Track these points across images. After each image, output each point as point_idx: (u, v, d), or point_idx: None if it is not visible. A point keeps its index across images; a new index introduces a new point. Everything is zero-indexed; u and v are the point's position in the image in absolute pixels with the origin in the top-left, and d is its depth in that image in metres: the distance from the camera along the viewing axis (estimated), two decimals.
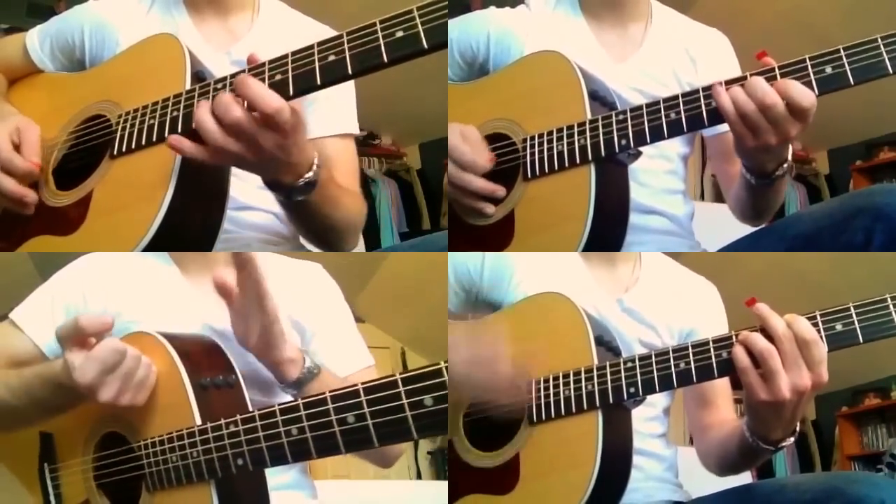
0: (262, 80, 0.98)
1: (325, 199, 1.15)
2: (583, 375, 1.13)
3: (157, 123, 1.05)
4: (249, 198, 1.28)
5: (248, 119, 0.95)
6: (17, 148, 1.15)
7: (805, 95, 1.06)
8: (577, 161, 1.19)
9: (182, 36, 1.14)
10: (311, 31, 1.36)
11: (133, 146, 1.07)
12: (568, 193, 1.19)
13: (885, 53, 1.06)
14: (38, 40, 1.36)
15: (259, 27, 1.35)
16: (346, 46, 0.97)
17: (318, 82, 0.98)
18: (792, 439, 1.09)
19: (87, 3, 1.38)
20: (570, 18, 1.40)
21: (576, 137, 1.19)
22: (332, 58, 0.97)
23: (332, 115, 1.36)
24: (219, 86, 1.01)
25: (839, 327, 1.02)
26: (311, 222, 1.23)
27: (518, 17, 1.41)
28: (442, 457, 4.38)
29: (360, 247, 1.41)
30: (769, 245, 1.34)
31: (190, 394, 1.02)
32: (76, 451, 1.13)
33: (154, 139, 1.05)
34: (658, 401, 1.31)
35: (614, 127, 1.17)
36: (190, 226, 1.06)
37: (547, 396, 1.15)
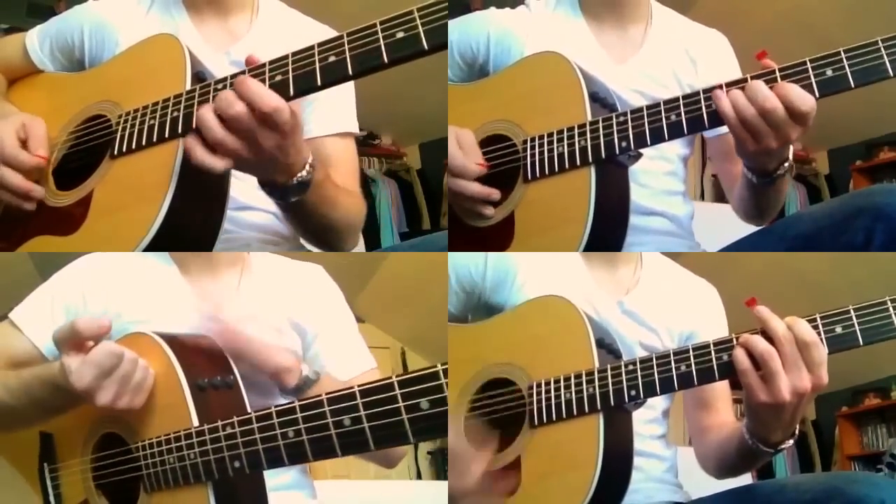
0: (263, 80, 0.98)
1: (323, 199, 1.15)
2: (584, 378, 1.13)
3: (157, 124, 1.05)
4: (249, 198, 1.28)
5: (248, 115, 0.96)
6: (23, 144, 1.15)
7: (804, 100, 1.06)
8: (578, 163, 1.18)
9: (181, 36, 1.14)
10: (310, 31, 1.36)
11: (134, 146, 1.07)
12: (568, 195, 1.19)
13: (885, 56, 1.06)
14: (37, 40, 1.36)
15: (258, 27, 1.35)
16: (346, 47, 0.97)
17: (319, 83, 0.98)
18: (791, 441, 1.09)
19: (87, 3, 1.38)
20: (571, 19, 1.40)
21: (576, 139, 1.19)
22: (332, 59, 0.97)
23: (331, 114, 1.36)
24: (219, 86, 1.01)
25: (839, 330, 1.02)
26: (308, 222, 1.23)
27: (518, 17, 1.41)
28: (442, 457, 4.38)
29: (360, 247, 1.41)
30: (769, 245, 1.33)
31: (187, 395, 1.02)
32: (75, 451, 1.13)
33: (155, 139, 1.05)
34: (658, 403, 1.31)
35: (615, 128, 1.17)
36: (190, 226, 1.06)
37: (548, 399, 1.15)
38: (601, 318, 1.25)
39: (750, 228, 1.41)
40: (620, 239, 1.21)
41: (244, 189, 1.23)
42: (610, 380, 1.11)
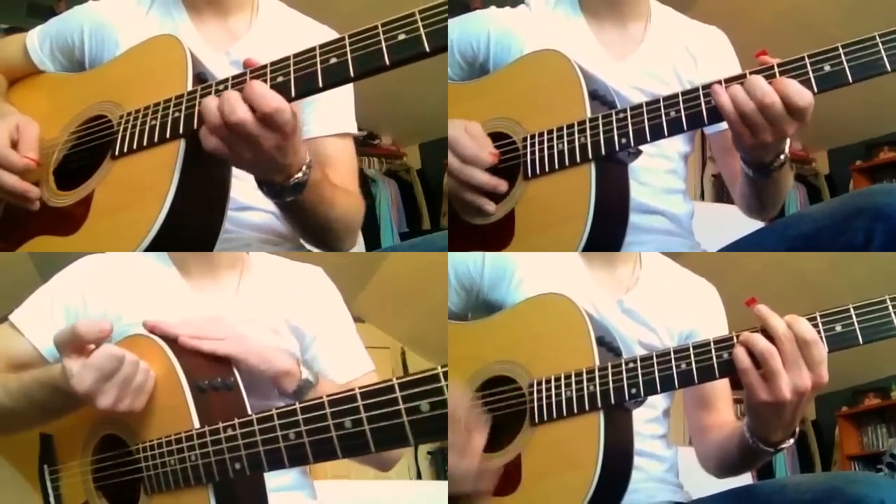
0: (265, 81, 0.98)
1: (320, 199, 1.15)
2: (584, 376, 1.13)
3: (158, 124, 1.05)
4: (249, 198, 1.28)
5: (251, 117, 0.96)
6: (15, 146, 1.15)
7: (802, 95, 1.06)
8: (578, 160, 1.18)
9: (181, 36, 1.14)
10: (310, 31, 1.37)
11: (135, 147, 1.07)
12: (568, 192, 1.19)
13: (883, 51, 1.06)
14: (38, 41, 1.36)
15: (258, 27, 1.35)
16: (347, 49, 0.97)
17: (320, 84, 0.98)
18: (791, 441, 1.09)
19: (87, 3, 1.38)
20: (570, 18, 1.40)
21: (576, 136, 1.19)
22: (333, 60, 0.97)
23: (330, 114, 1.36)
24: (220, 87, 1.01)
25: (839, 328, 1.02)
26: (306, 222, 1.23)
27: (518, 16, 1.41)
28: (442, 457, 4.38)
29: (360, 247, 1.41)
30: (769, 245, 1.34)
31: (188, 397, 1.01)
32: (75, 452, 1.13)
33: (156, 140, 1.05)
34: (658, 402, 1.31)
35: (614, 125, 1.17)
36: (191, 226, 1.06)
37: (549, 397, 1.15)
38: (601, 317, 1.25)
39: (750, 228, 1.41)
40: (620, 236, 1.21)
41: (244, 189, 1.23)
42: (610, 378, 1.11)
